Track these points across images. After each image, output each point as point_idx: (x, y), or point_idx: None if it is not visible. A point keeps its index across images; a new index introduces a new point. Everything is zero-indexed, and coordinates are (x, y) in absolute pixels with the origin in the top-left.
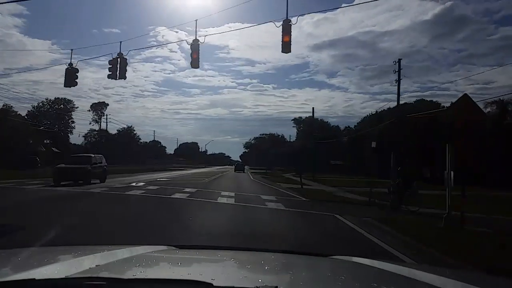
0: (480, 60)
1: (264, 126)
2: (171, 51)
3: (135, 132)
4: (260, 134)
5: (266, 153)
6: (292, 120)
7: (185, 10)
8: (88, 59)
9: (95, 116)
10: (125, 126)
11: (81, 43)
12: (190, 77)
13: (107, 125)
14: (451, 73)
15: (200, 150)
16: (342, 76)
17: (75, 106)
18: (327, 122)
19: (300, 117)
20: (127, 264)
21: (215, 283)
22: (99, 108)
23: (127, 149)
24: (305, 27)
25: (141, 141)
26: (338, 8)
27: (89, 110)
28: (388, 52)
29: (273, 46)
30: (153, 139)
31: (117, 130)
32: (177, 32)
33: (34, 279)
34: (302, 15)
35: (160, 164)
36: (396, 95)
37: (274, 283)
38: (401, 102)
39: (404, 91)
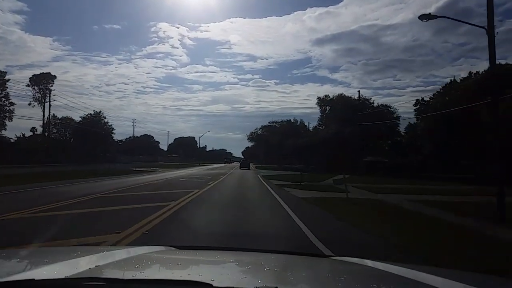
0: (483, 54)
1: (266, 122)
2: (172, 47)
3: (106, 121)
4: (270, 122)
5: (278, 145)
6: (317, 99)
7: (186, 5)
8: (90, 55)
9: (38, 95)
10: (92, 112)
11: (82, 39)
12: (191, 73)
13: (50, 107)
14: (454, 67)
15: (198, 145)
16: (344, 71)
17: (5, 79)
18: (370, 99)
19: (327, 96)
20: (126, 265)
21: (214, 284)
22: (41, 82)
23: (95, 143)
24: (307, 21)
25: (114, 132)
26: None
27: (28, 85)
28: (391, 46)
29: (274, 41)
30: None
31: (80, 117)
32: (178, 27)
33: (33, 279)
34: None
35: (138, 162)
36: None
37: (274, 283)
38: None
39: (406, 86)
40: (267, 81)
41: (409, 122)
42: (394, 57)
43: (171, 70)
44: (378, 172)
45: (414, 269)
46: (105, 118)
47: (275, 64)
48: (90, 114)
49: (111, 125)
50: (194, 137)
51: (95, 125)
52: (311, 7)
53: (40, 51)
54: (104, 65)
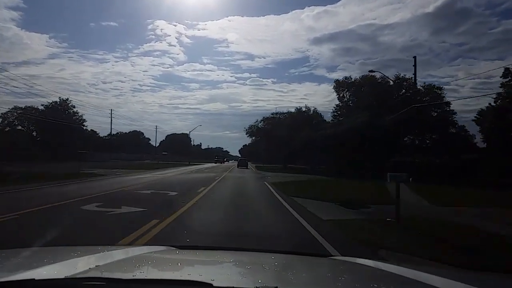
0: (481, 54)
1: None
2: (170, 45)
3: (75, 110)
4: (273, 114)
5: (284, 141)
6: (334, 82)
7: (183, 3)
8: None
9: None
10: (57, 100)
11: (79, 37)
12: (189, 71)
13: None
14: (452, 67)
15: (192, 143)
16: (342, 70)
17: None
18: (410, 78)
19: (348, 77)
20: (126, 265)
21: (215, 284)
22: None
23: (60, 137)
24: (305, 20)
25: (85, 124)
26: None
27: None
28: (389, 45)
29: (272, 40)
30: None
31: (42, 105)
32: (175, 25)
33: (33, 279)
34: None
35: (116, 160)
36: None
37: (274, 283)
38: None
39: None
40: (264, 80)
41: (489, 104)
42: (391, 57)
43: (168, 68)
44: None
45: (414, 269)
46: (74, 107)
47: (272, 63)
48: (55, 102)
49: (81, 116)
50: (187, 134)
51: (60, 116)
52: (309, 6)
53: (36, 48)
54: (100, 62)
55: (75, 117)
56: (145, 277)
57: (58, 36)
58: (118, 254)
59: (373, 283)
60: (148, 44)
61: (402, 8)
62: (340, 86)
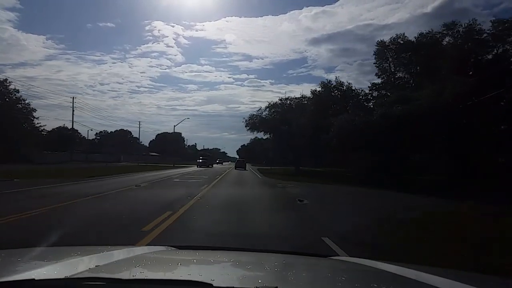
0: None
1: None
2: (167, 46)
3: (18, 96)
4: (281, 100)
5: (303, 132)
6: (376, 45)
7: (181, 4)
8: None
9: None
10: None
11: (76, 38)
12: (186, 72)
13: None
14: None
15: (186, 143)
16: (340, 71)
17: None
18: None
19: (401, 34)
20: (126, 265)
21: (215, 284)
22: None
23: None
24: (303, 20)
25: (35, 116)
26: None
27: None
28: None
29: (270, 40)
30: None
31: None
32: (173, 26)
33: (33, 279)
34: None
35: (80, 162)
36: None
37: (274, 283)
38: None
39: None
40: (262, 81)
41: None
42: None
43: (165, 69)
44: None
45: (415, 269)
46: (17, 92)
47: (270, 64)
48: None
49: (29, 104)
50: (180, 133)
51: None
52: (307, 6)
53: (33, 49)
54: (98, 64)
55: (19, 105)
56: (145, 277)
57: (55, 37)
58: (118, 254)
59: (373, 283)
60: (145, 45)
61: (401, 8)
62: (384, 51)
